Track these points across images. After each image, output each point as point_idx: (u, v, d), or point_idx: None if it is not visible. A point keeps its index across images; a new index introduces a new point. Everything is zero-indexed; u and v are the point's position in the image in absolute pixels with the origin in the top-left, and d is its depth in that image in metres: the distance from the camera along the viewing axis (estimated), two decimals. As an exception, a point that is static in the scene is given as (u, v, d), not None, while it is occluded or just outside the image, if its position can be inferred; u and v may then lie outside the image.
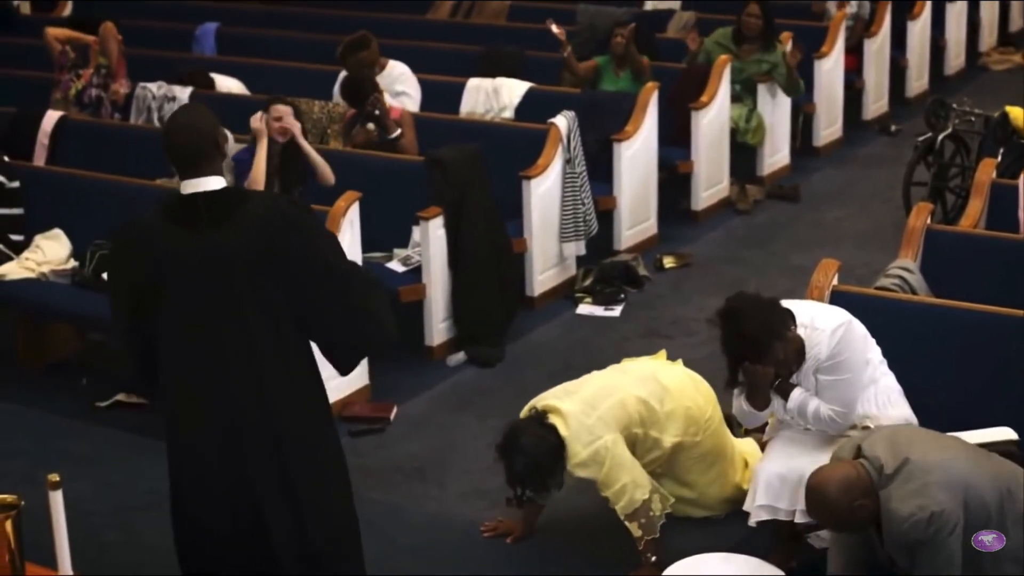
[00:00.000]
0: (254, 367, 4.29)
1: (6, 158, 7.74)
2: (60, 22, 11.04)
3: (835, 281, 5.67)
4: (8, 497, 3.65)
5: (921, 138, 9.10)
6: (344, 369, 4.61)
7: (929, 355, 5.40)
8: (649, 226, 8.99)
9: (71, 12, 12.65)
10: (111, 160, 7.96)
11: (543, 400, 5.40)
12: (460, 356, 7.38)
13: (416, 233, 7.39)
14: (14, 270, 7.23)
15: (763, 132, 9.86)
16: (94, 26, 9.29)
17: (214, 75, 9.41)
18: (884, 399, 5.11)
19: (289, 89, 7.80)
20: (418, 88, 8.84)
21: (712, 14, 10.96)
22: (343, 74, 8.56)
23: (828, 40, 10.59)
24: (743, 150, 9.85)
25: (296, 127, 7.18)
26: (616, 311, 7.97)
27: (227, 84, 9.42)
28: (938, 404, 5.25)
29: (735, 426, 5.74)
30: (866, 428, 5.05)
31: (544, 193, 7.93)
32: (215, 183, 4.27)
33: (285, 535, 4.41)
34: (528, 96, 9.00)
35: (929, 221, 6.27)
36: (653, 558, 5.24)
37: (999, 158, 7.81)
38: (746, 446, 5.79)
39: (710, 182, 9.49)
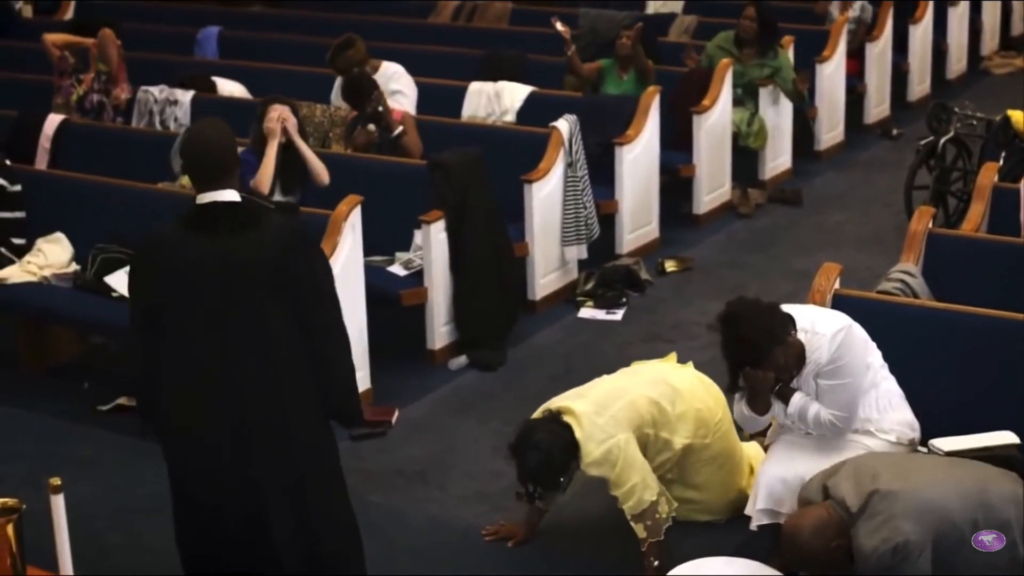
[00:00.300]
0: (270, 368, 4.35)
1: (8, 162, 7.75)
2: (61, 26, 11.06)
3: (837, 285, 5.66)
4: (9, 500, 3.65)
5: (923, 142, 9.10)
6: None
7: (931, 359, 5.40)
8: (651, 230, 8.99)
9: (73, 15, 12.66)
10: (113, 164, 7.96)
11: (556, 402, 5.43)
12: (462, 360, 7.38)
13: (418, 237, 7.39)
14: (16, 274, 7.23)
15: (765, 136, 9.86)
16: (96, 29, 9.27)
17: (216, 79, 9.42)
18: (885, 403, 5.11)
19: (291, 92, 7.79)
20: (413, 87, 8.84)
21: (714, 18, 10.98)
22: (339, 80, 8.61)
23: (830, 44, 10.59)
24: (745, 154, 9.85)
25: (292, 124, 7.15)
26: (618, 315, 7.97)
27: (229, 88, 9.42)
28: (940, 408, 5.25)
29: (739, 430, 5.75)
30: (867, 432, 5.06)
31: (546, 197, 7.93)
32: (232, 195, 4.35)
33: (287, 535, 4.44)
34: (530, 100, 9.00)
35: (931, 225, 6.26)
36: (655, 562, 5.24)
37: (1001, 162, 7.80)
38: (751, 450, 5.79)
39: (712, 186, 9.49)
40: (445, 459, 6.41)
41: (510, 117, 8.97)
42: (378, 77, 8.50)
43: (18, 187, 7.62)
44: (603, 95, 9.22)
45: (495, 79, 9.26)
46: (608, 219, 8.59)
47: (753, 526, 5.07)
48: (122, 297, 6.90)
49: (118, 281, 7.00)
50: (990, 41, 14.00)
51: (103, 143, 8.48)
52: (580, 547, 5.60)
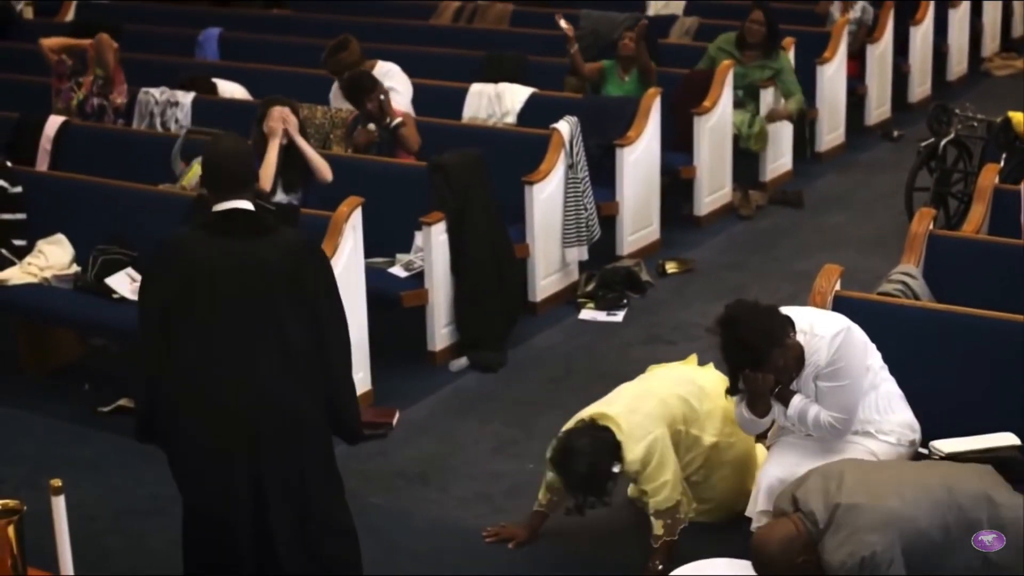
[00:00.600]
0: (284, 369, 4.42)
1: (9, 163, 7.75)
2: (62, 28, 11.06)
3: (838, 286, 5.66)
4: (10, 502, 3.65)
5: (924, 143, 9.10)
6: None
7: (932, 361, 5.40)
8: (651, 231, 8.99)
9: (73, 17, 12.66)
10: (114, 165, 7.96)
11: (587, 412, 5.43)
12: (462, 361, 7.38)
13: (418, 238, 7.39)
14: (17, 275, 7.23)
15: (765, 138, 9.85)
16: (97, 31, 9.24)
17: (217, 80, 9.42)
18: (885, 404, 5.11)
19: (292, 94, 7.79)
20: (408, 85, 8.83)
21: (715, 19, 10.98)
22: (336, 84, 8.66)
23: (831, 46, 10.59)
24: (745, 155, 9.85)
25: (293, 124, 7.16)
26: (618, 316, 7.97)
27: (230, 89, 9.42)
28: (941, 409, 5.25)
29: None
30: (867, 434, 5.06)
31: (546, 198, 7.93)
32: (249, 204, 4.48)
33: (289, 538, 4.45)
34: (530, 101, 9.00)
35: (932, 226, 6.26)
36: (660, 566, 5.25)
37: (1001, 163, 7.81)
38: (760, 453, 5.79)
39: (712, 187, 9.49)
40: (446, 460, 6.41)
41: (511, 118, 8.97)
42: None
43: (19, 188, 7.62)
44: (604, 96, 9.22)
45: (496, 80, 9.26)
46: (609, 220, 8.59)
47: (754, 527, 5.06)
48: (123, 299, 6.91)
49: (119, 283, 7.00)
50: (991, 43, 14.00)
51: (104, 145, 8.48)
52: (581, 549, 5.60)
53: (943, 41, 12.78)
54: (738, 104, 9.63)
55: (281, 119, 7.08)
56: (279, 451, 4.44)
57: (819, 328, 4.97)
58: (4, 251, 7.44)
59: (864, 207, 9.81)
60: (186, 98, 9.03)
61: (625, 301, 8.12)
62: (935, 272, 6.11)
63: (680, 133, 9.25)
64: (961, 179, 9.05)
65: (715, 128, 9.32)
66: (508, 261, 7.60)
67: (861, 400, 5.04)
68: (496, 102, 9.07)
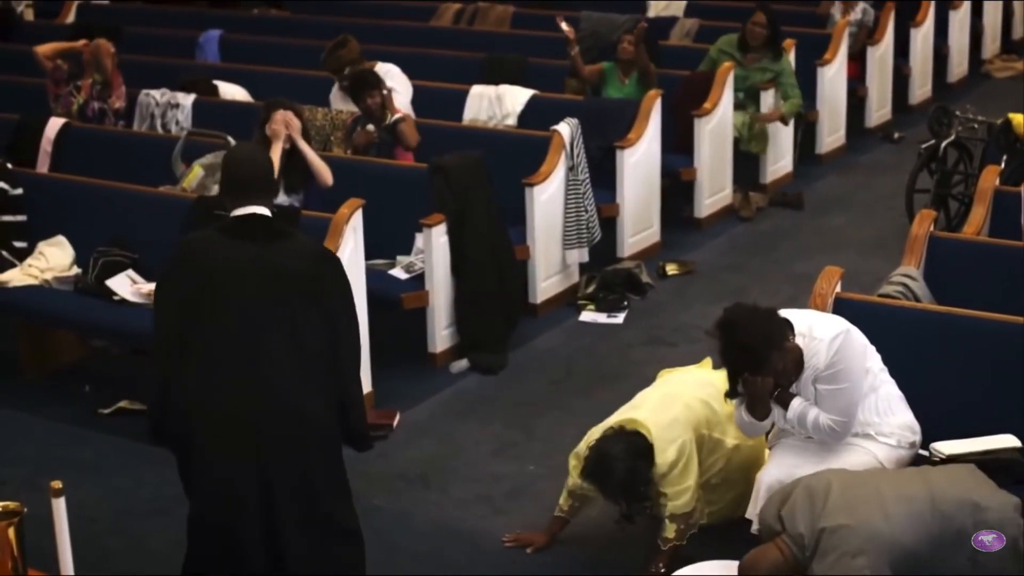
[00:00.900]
0: (299, 369, 4.45)
1: (9, 165, 7.75)
2: (62, 30, 11.06)
3: (838, 288, 5.66)
4: (11, 504, 3.65)
5: (924, 145, 9.10)
6: None
7: (932, 362, 5.40)
8: (652, 233, 8.99)
9: (74, 19, 12.67)
10: (114, 167, 7.96)
11: (614, 419, 5.42)
12: (463, 363, 7.38)
13: (419, 240, 7.39)
14: (17, 277, 7.23)
15: (766, 140, 9.85)
16: (95, 33, 9.22)
17: (217, 82, 9.42)
18: (885, 406, 5.10)
19: (292, 96, 7.79)
20: (408, 85, 8.85)
21: (715, 21, 10.98)
22: (336, 84, 8.68)
23: (831, 48, 10.60)
24: (746, 157, 9.85)
25: (296, 127, 7.16)
26: (619, 318, 7.97)
27: (231, 91, 9.43)
28: (941, 411, 5.25)
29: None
30: (867, 436, 5.05)
31: (547, 200, 7.93)
32: (265, 211, 4.55)
33: (296, 536, 4.49)
34: (531, 103, 9.01)
35: (932, 228, 6.26)
36: (663, 569, 5.25)
37: (1002, 165, 7.81)
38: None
39: (713, 189, 9.49)
40: (446, 462, 6.41)
41: (511, 120, 8.97)
42: (373, 75, 8.53)
43: (20, 190, 7.62)
44: (604, 98, 9.22)
45: (496, 82, 9.27)
46: (609, 222, 8.59)
47: (754, 529, 5.06)
48: (123, 301, 6.90)
49: (119, 284, 7.00)
50: (991, 44, 14.00)
51: (104, 146, 8.48)
52: (582, 551, 5.59)
53: (944, 43, 12.79)
54: (739, 106, 9.62)
55: (284, 122, 7.08)
56: (289, 454, 4.46)
57: (818, 331, 4.97)
58: (5, 253, 7.44)
59: (864, 209, 9.81)
60: (187, 100, 9.04)
61: (626, 303, 8.12)
62: (936, 274, 6.11)
63: (681, 135, 9.26)
64: (962, 181, 9.05)
65: (716, 130, 9.32)
66: (509, 263, 7.60)
67: (860, 402, 5.03)
68: (497, 104, 9.08)
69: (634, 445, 5.22)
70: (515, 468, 6.31)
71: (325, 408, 4.52)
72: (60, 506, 3.42)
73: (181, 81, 9.32)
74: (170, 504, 5.98)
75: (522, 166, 7.89)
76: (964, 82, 13.12)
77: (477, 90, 9.20)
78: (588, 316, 8.01)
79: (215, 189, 7.51)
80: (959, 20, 12.94)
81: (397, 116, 8.00)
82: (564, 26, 9.31)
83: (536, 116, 8.74)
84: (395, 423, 6.76)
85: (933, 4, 12.20)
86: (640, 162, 8.70)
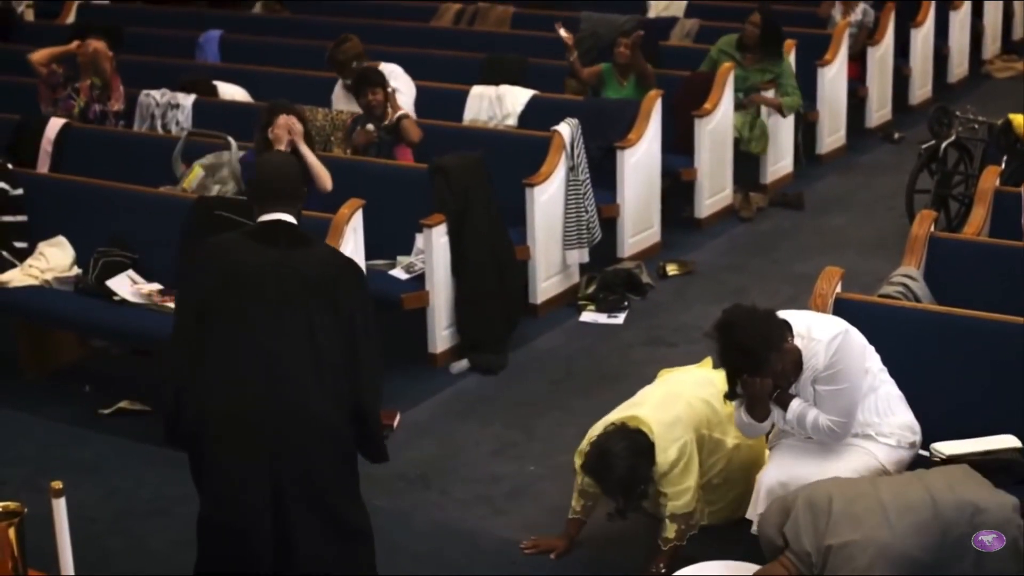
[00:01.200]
0: (316, 371, 4.48)
1: (10, 165, 7.75)
2: (63, 30, 11.05)
3: (838, 289, 5.66)
4: (11, 504, 3.65)
5: (924, 146, 9.10)
6: None
7: (932, 362, 5.40)
8: (652, 233, 8.99)
9: (74, 19, 12.66)
10: (114, 167, 7.96)
11: (615, 415, 5.42)
12: (463, 363, 7.38)
13: (419, 240, 7.39)
14: (18, 277, 7.23)
15: (766, 140, 9.85)
16: (94, 34, 9.20)
17: (217, 83, 9.42)
18: (885, 407, 5.10)
19: (292, 96, 7.80)
20: (412, 86, 8.85)
21: (715, 21, 10.98)
22: (340, 83, 8.69)
23: (831, 48, 10.60)
24: (746, 158, 9.85)
25: (298, 132, 7.17)
26: (619, 319, 7.97)
27: (230, 91, 9.43)
28: (942, 411, 5.25)
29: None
30: (867, 436, 5.05)
31: (547, 200, 7.93)
32: (292, 219, 4.65)
33: (308, 538, 4.50)
34: (531, 103, 9.01)
35: (932, 229, 6.26)
36: (664, 569, 5.25)
37: (1002, 165, 7.81)
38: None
39: (713, 190, 9.49)
40: (447, 463, 6.41)
41: (512, 121, 8.97)
42: (377, 76, 8.53)
43: (20, 190, 7.62)
44: (605, 99, 9.22)
45: (496, 83, 9.27)
46: (609, 223, 8.59)
47: (754, 530, 5.06)
48: (123, 301, 6.90)
49: (120, 285, 7.00)
50: (991, 45, 14.00)
51: (104, 147, 8.48)
52: (582, 552, 5.59)
53: (944, 43, 12.78)
54: (739, 106, 9.62)
55: (287, 127, 7.09)
56: (301, 457, 4.48)
57: (816, 332, 4.96)
58: (5, 253, 7.44)
59: (865, 209, 9.81)
60: (187, 100, 9.04)
61: (626, 303, 8.12)
62: (936, 274, 6.11)
63: (681, 135, 9.26)
64: (962, 181, 9.05)
65: (716, 130, 9.32)
66: (509, 263, 7.60)
67: (860, 403, 5.03)
68: (497, 104, 9.08)
69: (636, 443, 5.22)
70: (515, 468, 6.31)
71: (338, 413, 4.53)
72: (60, 506, 3.42)
73: (181, 81, 9.32)
74: (170, 504, 5.98)
75: (522, 166, 7.89)
76: (964, 82, 13.12)
77: (477, 90, 9.20)
78: (588, 316, 8.01)
79: (215, 189, 7.51)
80: (959, 20, 12.94)
81: (400, 113, 8.01)
82: (563, 33, 9.31)
83: (536, 116, 8.74)
84: (395, 423, 6.76)
85: (933, 4, 12.20)
86: (640, 162, 8.70)
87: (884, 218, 9.52)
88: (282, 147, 7.03)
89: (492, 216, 7.48)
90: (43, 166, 8.45)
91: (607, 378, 7.16)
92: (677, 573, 5.01)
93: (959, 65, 13.11)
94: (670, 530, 5.27)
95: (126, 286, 7.01)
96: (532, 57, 9.93)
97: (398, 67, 8.88)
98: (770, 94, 9.76)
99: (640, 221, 8.83)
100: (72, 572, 3.49)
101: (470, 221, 7.36)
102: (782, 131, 10.09)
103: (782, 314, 4.99)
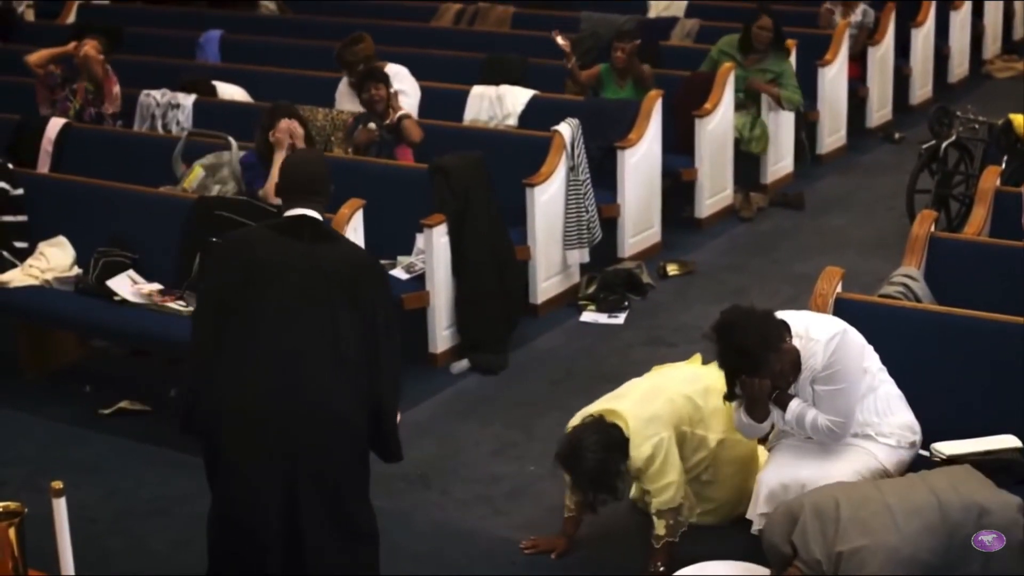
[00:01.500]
0: (333, 367, 4.48)
1: (10, 165, 7.75)
2: (63, 30, 11.05)
3: (839, 289, 5.66)
4: (11, 504, 3.65)
5: (925, 146, 9.10)
6: None
7: (933, 362, 5.40)
8: (653, 234, 8.99)
9: (75, 19, 12.66)
10: (114, 167, 7.96)
11: (595, 407, 5.43)
12: (463, 363, 7.38)
13: (420, 240, 7.40)
14: (18, 277, 7.23)
15: (767, 140, 9.85)
16: (92, 34, 9.19)
17: (216, 83, 9.41)
18: (884, 406, 5.10)
19: (293, 96, 7.81)
20: (416, 88, 8.85)
21: (716, 21, 10.98)
22: (343, 82, 8.66)
23: (832, 48, 10.60)
24: (747, 158, 9.85)
25: (300, 135, 7.17)
26: (620, 319, 7.97)
27: (230, 91, 9.42)
28: (942, 411, 5.25)
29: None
30: (867, 436, 5.05)
31: (548, 200, 7.93)
32: (316, 214, 4.70)
33: (318, 536, 4.51)
34: (532, 103, 9.01)
35: (933, 229, 6.26)
36: (662, 567, 5.25)
37: (1003, 165, 7.81)
38: (762, 454, 5.79)
39: (714, 190, 9.49)
40: (447, 463, 6.41)
41: (512, 121, 8.97)
42: (382, 77, 8.53)
43: (20, 190, 7.62)
44: (605, 99, 9.21)
45: (497, 83, 9.27)
46: (610, 223, 8.59)
47: (754, 530, 5.06)
48: (124, 301, 6.90)
49: (120, 285, 7.00)
50: (992, 45, 14.01)
51: (105, 147, 8.48)
52: (582, 551, 5.59)
53: (944, 43, 12.78)
54: (739, 107, 9.62)
55: (288, 131, 7.10)
56: (317, 455, 4.48)
57: (815, 332, 4.97)
58: (5, 253, 7.43)
59: (865, 209, 9.81)
60: (187, 100, 9.03)
61: (626, 303, 8.12)
62: (936, 274, 6.11)
63: (681, 135, 9.25)
64: (962, 181, 9.05)
65: (716, 130, 9.32)
66: (509, 263, 7.60)
67: (859, 403, 5.03)
68: (497, 104, 9.08)
69: (610, 437, 5.21)
70: (515, 468, 6.32)
71: (356, 411, 4.53)
72: (60, 506, 3.42)
73: (181, 81, 9.32)
74: (170, 504, 5.98)
75: (523, 166, 7.89)
76: (965, 82, 13.12)
77: (478, 90, 9.20)
78: (589, 316, 8.01)
79: (215, 189, 7.51)
80: (960, 20, 12.94)
81: (402, 112, 8.01)
82: (560, 41, 9.30)
83: (537, 116, 8.73)
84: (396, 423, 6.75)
85: (934, 4, 12.20)
86: (641, 162, 8.70)
87: (884, 218, 9.52)
88: (283, 151, 7.04)
89: (492, 216, 7.48)
90: (43, 166, 8.45)
91: (607, 378, 7.14)
92: (678, 573, 5.02)
93: (959, 65, 13.12)
94: (660, 526, 5.28)
95: (126, 286, 7.01)
96: (532, 57, 9.93)
97: (404, 69, 8.89)
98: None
99: (640, 221, 8.83)
100: (72, 572, 3.49)
101: (470, 221, 7.36)
102: (782, 131, 10.10)
103: (780, 314, 4.99)
